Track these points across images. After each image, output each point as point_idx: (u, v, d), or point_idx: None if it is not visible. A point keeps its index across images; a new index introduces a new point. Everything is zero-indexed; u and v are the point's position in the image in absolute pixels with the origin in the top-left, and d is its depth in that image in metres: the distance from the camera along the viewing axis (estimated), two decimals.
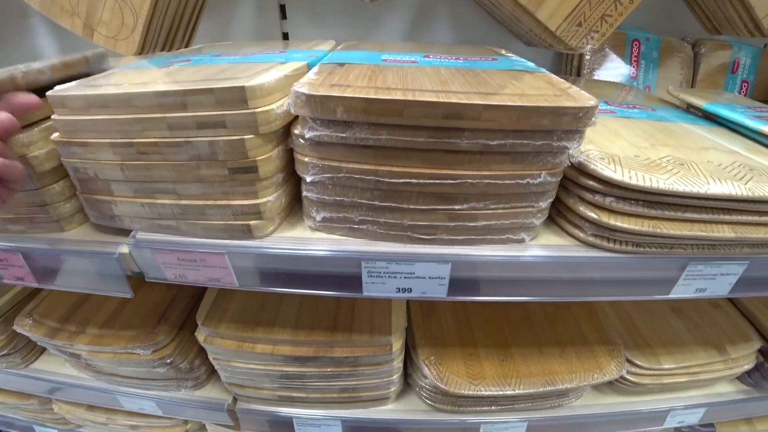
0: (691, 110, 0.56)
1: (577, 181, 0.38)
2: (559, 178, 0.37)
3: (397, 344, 0.51)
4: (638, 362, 0.57)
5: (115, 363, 0.57)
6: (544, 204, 0.38)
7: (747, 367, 0.61)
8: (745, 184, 0.36)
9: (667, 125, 0.48)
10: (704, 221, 0.37)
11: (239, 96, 0.31)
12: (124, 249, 0.41)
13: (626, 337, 0.60)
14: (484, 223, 0.37)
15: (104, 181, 0.37)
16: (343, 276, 0.39)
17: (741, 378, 0.65)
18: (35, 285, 0.45)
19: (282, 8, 0.72)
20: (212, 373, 0.63)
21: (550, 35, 0.53)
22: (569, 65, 0.74)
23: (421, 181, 0.33)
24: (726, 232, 0.37)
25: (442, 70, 0.40)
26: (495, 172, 0.34)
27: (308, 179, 0.34)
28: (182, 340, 0.57)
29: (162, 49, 0.63)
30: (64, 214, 0.42)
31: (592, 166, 0.36)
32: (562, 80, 0.37)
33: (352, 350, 0.49)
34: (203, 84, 0.32)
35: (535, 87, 0.35)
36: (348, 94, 0.30)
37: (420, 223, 0.36)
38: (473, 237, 0.38)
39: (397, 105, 0.30)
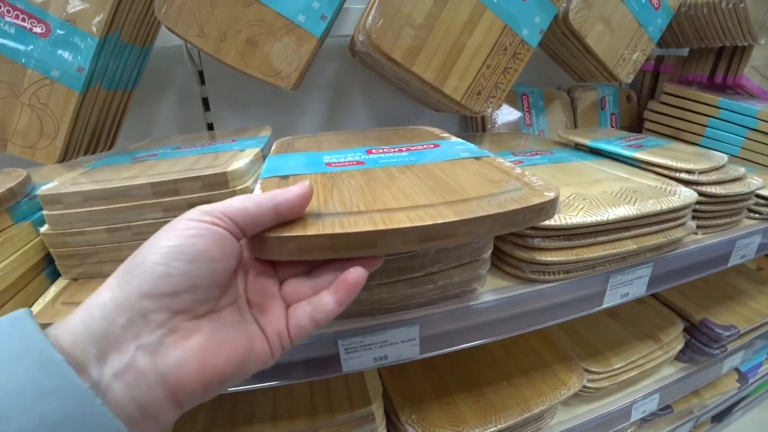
0: (579, 147, 0.68)
1: None
2: None
3: (379, 412, 0.51)
4: (594, 369, 0.63)
5: None
6: (487, 255, 0.43)
7: (679, 348, 0.71)
8: (634, 205, 0.44)
9: (566, 165, 0.57)
10: (612, 241, 0.44)
11: (222, 179, 0.39)
12: None
13: (579, 350, 0.66)
14: (442, 282, 0.40)
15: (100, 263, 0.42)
16: (321, 358, 0.40)
17: (678, 358, 0.74)
18: None
19: (205, 101, 0.75)
20: None
21: (456, 104, 0.62)
22: (474, 122, 0.85)
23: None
24: (630, 246, 0.45)
25: (394, 171, 0.37)
26: None
27: None
28: None
29: (86, 153, 0.61)
30: None
31: None
32: (510, 164, 0.37)
33: (337, 429, 0.49)
34: (191, 173, 0.38)
35: (493, 178, 0.34)
36: (311, 232, 0.25)
37: (386, 294, 0.39)
38: (434, 297, 0.42)
39: (371, 236, 0.25)
